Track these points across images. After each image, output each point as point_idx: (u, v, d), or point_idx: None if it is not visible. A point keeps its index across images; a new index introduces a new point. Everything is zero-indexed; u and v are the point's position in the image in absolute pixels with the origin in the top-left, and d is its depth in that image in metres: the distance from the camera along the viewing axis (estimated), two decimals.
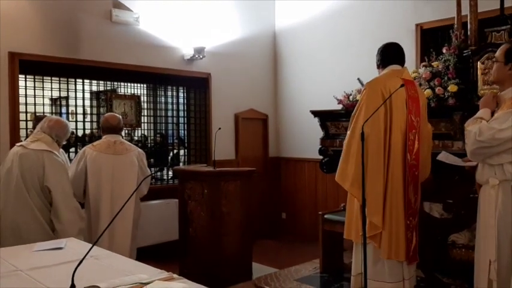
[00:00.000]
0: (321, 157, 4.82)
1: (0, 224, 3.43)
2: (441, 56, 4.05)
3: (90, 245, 2.72)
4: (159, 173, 6.13)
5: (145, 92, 6.13)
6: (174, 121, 6.30)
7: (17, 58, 4.61)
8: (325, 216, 4.15)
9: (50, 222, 3.46)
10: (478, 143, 2.63)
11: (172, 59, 5.88)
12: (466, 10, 4.09)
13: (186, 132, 6.40)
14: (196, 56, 5.92)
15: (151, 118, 6.05)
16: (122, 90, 5.73)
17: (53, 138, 3.60)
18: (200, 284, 1.84)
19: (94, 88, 5.58)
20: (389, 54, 3.34)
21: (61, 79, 5.12)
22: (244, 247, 4.47)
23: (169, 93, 6.28)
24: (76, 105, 5.28)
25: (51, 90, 5.07)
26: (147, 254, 4.22)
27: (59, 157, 3.60)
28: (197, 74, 6.12)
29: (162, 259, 4.24)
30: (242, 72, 6.62)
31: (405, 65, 3.40)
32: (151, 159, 6.25)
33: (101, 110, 5.50)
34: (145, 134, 6.22)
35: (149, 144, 6.41)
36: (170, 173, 6.12)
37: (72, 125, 5.35)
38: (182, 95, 6.37)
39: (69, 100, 5.29)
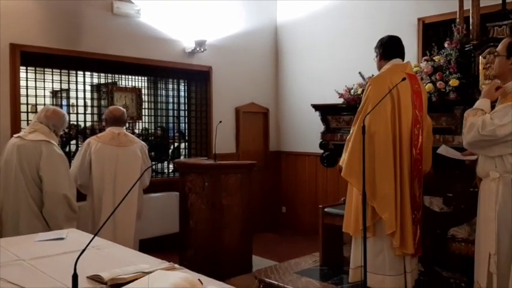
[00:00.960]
0: (322, 151, 4.82)
1: (2, 215, 3.45)
2: (443, 50, 4.04)
3: (91, 236, 2.75)
4: (159, 166, 6.14)
5: (146, 85, 6.13)
6: (175, 114, 6.30)
7: (18, 50, 4.61)
8: (325, 209, 4.15)
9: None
10: (480, 136, 2.62)
11: (173, 51, 5.87)
12: (468, 4, 4.08)
13: (186, 126, 6.41)
14: (198, 49, 5.92)
15: (152, 111, 6.05)
16: (123, 83, 5.72)
17: (50, 128, 3.59)
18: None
19: (95, 80, 5.57)
20: (394, 47, 3.33)
21: (62, 71, 5.12)
22: (244, 240, 4.49)
23: (170, 86, 6.28)
24: (77, 98, 5.28)
25: (52, 82, 5.07)
26: (147, 246, 4.23)
27: (57, 147, 3.59)
28: (198, 67, 6.12)
29: (163, 251, 4.25)
30: (243, 66, 6.61)
31: (407, 59, 3.41)
32: (152, 153, 6.26)
33: (102, 102, 5.50)
34: (146, 127, 6.23)
35: (150, 138, 6.41)
36: (171, 166, 6.14)
37: (72, 118, 5.39)
38: (183, 88, 6.37)
39: (70, 92, 5.29)
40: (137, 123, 6.05)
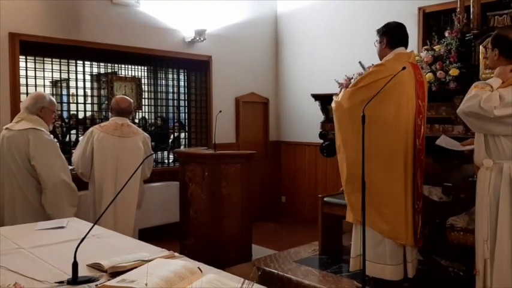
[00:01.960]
0: (321, 141, 4.82)
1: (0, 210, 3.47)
2: (443, 40, 4.03)
3: (91, 224, 2.77)
4: (159, 156, 6.15)
5: (145, 75, 6.11)
6: (175, 104, 6.29)
7: (17, 39, 4.59)
8: (325, 199, 4.17)
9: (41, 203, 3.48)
10: (478, 109, 2.61)
11: (173, 41, 5.85)
12: None
13: (186, 116, 6.40)
14: (197, 38, 5.89)
15: (152, 101, 6.05)
16: (123, 73, 5.71)
17: (35, 113, 3.52)
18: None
19: (95, 70, 5.56)
20: (401, 36, 3.31)
21: (61, 61, 5.11)
22: (244, 229, 4.51)
23: (170, 75, 6.26)
24: (77, 87, 5.27)
25: (52, 71, 5.06)
26: (148, 235, 4.27)
27: (46, 133, 3.53)
28: (198, 56, 6.10)
29: (163, 240, 4.28)
30: (243, 56, 6.59)
31: (408, 48, 3.40)
32: (152, 143, 6.26)
33: (102, 92, 5.50)
34: (146, 116, 6.22)
35: (149, 128, 6.41)
36: (171, 155, 6.15)
37: (72, 108, 5.39)
38: (183, 78, 6.36)
39: (70, 82, 5.28)
40: (137, 113, 6.05)
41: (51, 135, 3.66)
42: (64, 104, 5.54)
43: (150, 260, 1.79)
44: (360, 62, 4.61)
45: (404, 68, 2.95)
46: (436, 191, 3.69)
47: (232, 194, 4.43)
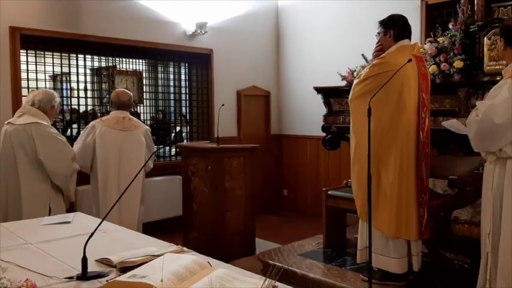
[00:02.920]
0: (323, 134, 4.81)
1: (4, 202, 3.46)
2: (447, 32, 4.01)
3: (98, 219, 2.76)
4: (161, 150, 6.13)
5: (146, 68, 6.08)
6: (176, 98, 6.26)
7: (17, 33, 4.56)
8: (329, 192, 4.16)
9: (46, 196, 3.51)
10: (478, 123, 2.62)
11: (174, 34, 5.81)
12: None
13: (188, 109, 6.38)
14: (198, 31, 5.86)
15: (153, 95, 6.02)
16: (124, 66, 5.67)
17: (34, 105, 3.54)
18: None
19: (95, 64, 5.52)
20: (407, 27, 3.31)
21: (62, 54, 5.07)
22: (247, 222, 4.51)
23: (171, 69, 6.23)
24: (78, 81, 5.24)
25: (53, 65, 5.03)
26: (151, 230, 4.25)
27: (48, 126, 3.54)
28: (199, 50, 6.07)
29: (166, 234, 4.27)
30: (245, 49, 6.56)
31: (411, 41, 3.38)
32: (153, 136, 6.24)
33: (103, 86, 5.47)
34: (147, 110, 6.20)
35: (150, 122, 6.39)
36: (173, 149, 6.13)
37: (74, 102, 5.36)
38: (184, 71, 6.33)
39: (71, 76, 5.25)
40: (138, 107, 6.03)
41: (54, 128, 3.65)
42: (64, 98, 5.51)
43: (159, 255, 1.77)
44: (362, 55, 4.59)
45: (410, 61, 2.93)
46: (440, 183, 3.69)
47: (235, 188, 4.42)
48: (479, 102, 2.73)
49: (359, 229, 3.39)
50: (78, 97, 5.30)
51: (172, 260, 1.68)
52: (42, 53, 4.93)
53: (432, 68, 3.79)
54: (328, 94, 4.72)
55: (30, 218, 2.93)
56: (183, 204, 4.71)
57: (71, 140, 5.19)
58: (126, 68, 5.68)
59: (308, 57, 6.59)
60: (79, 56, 5.23)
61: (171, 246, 2.04)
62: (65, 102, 5.59)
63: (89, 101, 5.42)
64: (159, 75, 6.20)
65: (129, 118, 4.01)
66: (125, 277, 1.53)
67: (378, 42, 3.44)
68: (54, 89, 5.71)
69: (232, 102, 6.47)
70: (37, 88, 4.89)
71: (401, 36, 3.27)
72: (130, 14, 5.40)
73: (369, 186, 2.81)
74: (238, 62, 6.48)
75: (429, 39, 4.20)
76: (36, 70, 4.84)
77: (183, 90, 6.30)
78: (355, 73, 4.58)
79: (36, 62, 4.86)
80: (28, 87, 4.78)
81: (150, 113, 6.27)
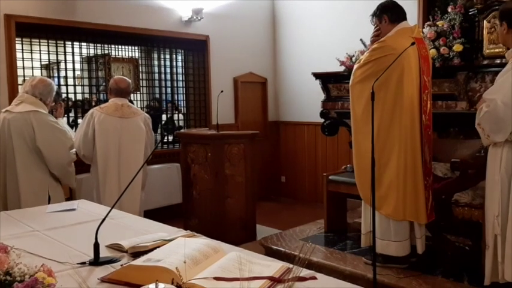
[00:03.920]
0: (321, 120, 4.81)
1: (4, 190, 3.45)
2: (446, 15, 4.00)
3: (103, 206, 2.76)
4: (158, 138, 6.10)
5: (142, 55, 6.02)
6: (173, 85, 6.22)
7: (13, 21, 4.49)
8: (330, 177, 4.18)
9: (45, 184, 3.51)
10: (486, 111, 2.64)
11: (169, 20, 5.76)
12: None
13: (184, 97, 6.34)
14: (194, 17, 5.81)
15: (148, 82, 5.98)
16: (120, 54, 5.61)
17: (36, 97, 3.51)
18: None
19: (91, 51, 5.46)
20: (400, 9, 3.31)
21: (58, 42, 5.01)
22: (248, 208, 4.53)
23: (168, 56, 6.17)
24: (74, 69, 5.19)
25: (48, 53, 4.97)
26: (151, 217, 4.23)
27: (47, 115, 3.53)
28: (195, 36, 6.02)
29: (167, 222, 4.28)
30: (241, 35, 6.52)
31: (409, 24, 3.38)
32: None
33: (99, 73, 5.42)
34: (144, 98, 6.16)
35: (146, 110, 6.35)
36: (170, 137, 6.11)
37: (70, 90, 5.31)
38: (180, 58, 6.28)
39: (67, 64, 5.19)
40: (134, 95, 5.98)
41: (53, 117, 3.62)
42: (60, 87, 5.45)
43: (171, 240, 1.78)
44: (361, 40, 4.58)
45: (413, 44, 2.92)
46: (441, 167, 3.71)
47: (235, 174, 4.43)
48: (486, 93, 2.73)
49: (362, 213, 3.41)
50: (75, 85, 5.24)
51: (186, 244, 1.69)
52: (38, 41, 4.86)
53: (431, 52, 3.78)
54: (327, 80, 4.71)
55: (29, 206, 2.93)
56: (182, 191, 4.71)
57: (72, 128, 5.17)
58: (122, 56, 5.62)
59: (305, 43, 6.56)
60: (74, 43, 5.17)
61: (180, 231, 2.05)
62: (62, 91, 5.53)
63: (86, 89, 5.37)
64: (155, 62, 6.15)
65: (128, 105, 3.98)
66: (140, 261, 1.53)
67: (375, 27, 3.44)
68: (50, 77, 5.67)
69: (229, 89, 6.45)
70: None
71: (396, 19, 3.28)
72: (126, 0, 5.33)
73: (373, 170, 2.82)
74: (235, 48, 6.44)
75: (428, 23, 4.18)
76: (31, 58, 4.78)
77: (179, 77, 6.26)
78: (353, 58, 4.57)
79: (31, 50, 4.80)
80: (24, 76, 4.72)
81: (146, 100, 6.23)
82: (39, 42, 4.87)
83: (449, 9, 4.01)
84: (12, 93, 4.51)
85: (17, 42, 4.61)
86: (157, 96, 6.22)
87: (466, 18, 3.88)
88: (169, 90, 6.24)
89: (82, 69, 5.28)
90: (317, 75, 4.78)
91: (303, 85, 6.32)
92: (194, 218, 4.56)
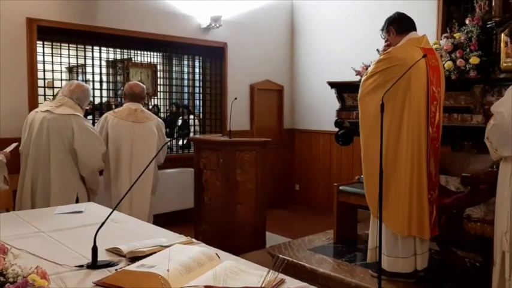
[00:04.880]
0: (336, 129, 4.79)
1: (34, 188, 3.53)
2: (464, 27, 3.95)
3: (109, 210, 2.79)
4: (174, 142, 6.17)
5: (160, 61, 6.11)
6: (190, 91, 6.29)
7: (34, 24, 4.61)
8: (340, 187, 4.15)
9: (75, 185, 3.62)
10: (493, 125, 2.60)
11: (188, 27, 5.83)
12: None
13: (201, 102, 6.40)
14: (213, 24, 5.86)
15: (167, 87, 6.05)
16: (138, 59, 5.71)
17: (74, 101, 3.66)
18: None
19: (111, 56, 5.56)
20: (407, 19, 3.29)
21: (78, 46, 5.12)
22: (258, 216, 4.52)
23: (185, 62, 6.25)
24: (93, 73, 5.29)
25: (69, 57, 5.07)
26: (162, 221, 4.28)
27: (85, 120, 3.70)
28: (213, 43, 6.07)
29: (177, 226, 4.31)
30: (259, 42, 6.55)
31: (425, 35, 3.34)
32: (167, 129, 6.29)
33: (118, 78, 5.51)
34: (161, 103, 6.24)
35: (164, 114, 6.42)
36: (185, 142, 6.17)
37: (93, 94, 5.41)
38: (198, 65, 6.34)
39: (86, 68, 5.30)
40: (152, 100, 6.06)
41: (89, 123, 3.80)
42: None
43: (168, 246, 1.79)
44: (377, 50, 4.55)
45: (425, 56, 2.89)
46: (454, 180, 3.66)
47: (246, 181, 4.43)
48: (493, 106, 2.69)
49: (370, 228, 3.37)
50: (94, 89, 5.34)
51: (181, 251, 1.70)
52: (59, 44, 4.98)
53: (448, 64, 3.73)
54: (342, 89, 4.69)
55: (59, 205, 3.00)
56: (194, 196, 4.74)
57: None
58: (141, 61, 5.71)
59: (322, 52, 6.56)
60: (95, 48, 5.28)
61: (180, 237, 2.06)
62: None
63: (104, 93, 5.47)
64: (174, 68, 6.23)
65: (141, 110, 4.05)
66: (133, 267, 1.56)
67: (386, 40, 3.44)
68: (70, 80, 5.78)
69: (246, 96, 6.48)
70: (53, 79, 4.96)
71: (403, 30, 3.25)
72: (146, 6, 5.42)
73: (380, 183, 2.80)
74: (252, 55, 6.48)
75: (445, 34, 4.14)
76: (52, 62, 4.89)
77: (196, 84, 6.32)
78: (369, 68, 4.55)
79: (52, 53, 4.91)
80: (44, 79, 4.84)
81: (164, 105, 6.31)
82: (60, 45, 4.98)
83: (467, 21, 3.95)
84: (32, 95, 4.62)
85: (38, 45, 4.72)
86: (175, 101, 6.29)
87: (483, 30, 3.82)
88: (185, 96, 6.30)
89: (101, 73, 5.36)
90: (332, 84, 4.77)
91: (319, 93, 6.30)
92: (204, 223, 4.58)
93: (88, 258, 1.77)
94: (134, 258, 1.76)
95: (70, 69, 5.94)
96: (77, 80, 5.71)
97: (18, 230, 2.20)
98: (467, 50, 3.78)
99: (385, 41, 3.41)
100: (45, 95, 4.79)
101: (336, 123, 4.75)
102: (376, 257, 3.12)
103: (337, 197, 4.15)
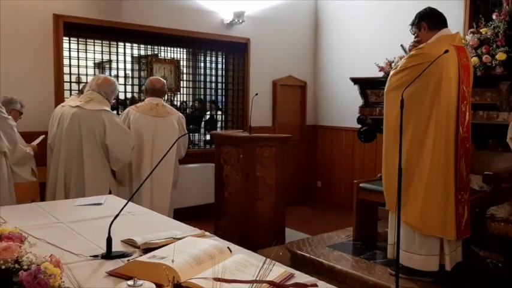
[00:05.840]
0: (359, 126, 4.74)
1: (67, 183, 3.64)
2: (490, 23, 3.86)
3: (129, 203, 2.84)
4: (196, 138, 6.23)
5: (185, 57, 6.16)
6: (213, 86, 6.33)
7: (61, 20, 4.71)
8: (360, 185, 4.12)
9: (107, 179, 3.73)
10: None
11: (211, 23, 5.85)
12: None
13: (224, 98, 6.43)
14: (236, 20, 5.87)
15: (190, 83, 6.10)
16: (162, 55, 5.78)
17: (102, 96, 3.73)
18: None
19: (136, 52, 5.64)
20: (439, 15, 3.22)
21: (103, 42, 5.21)
22: (277, 212, 4.52)
23: (208, 58, 6.28)
24: (118, 69, 5.38)
25: (94, 53, 5.17)
26: (184, 215, 4.34)
27: (115, 115, 3.79)
28: (236, 39, 6.09)
29: (198, 220, 4.35)
30: (282, 38, 6.53)
31: (453, 31, 3.27)
32: (191, 125, 6.36)
33: (142, 73, 5.59)
34: (184, 99, 6.30)
35: (188, 110, 6.49)
36: (207, 137, 6.21)
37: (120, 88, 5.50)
38: (221, 60, 6.37)
39: (112, 63, 5.39)
40: (175, 95, 6.13)
41: (119, 118, 3.89)
42: None
43: (181, 238, 1.82)
44: (401, 45, 4.48)
45: (447, 51, 2.83)
46: (477, 179, 3.58)
47: (266, 177, 4.43)
48: None
49: (389, 223, 3.34)
50: (119, 84, 5.42)
51: (193, 243, 1.72)
52: (85, 40, 5.08)
53: (473, 60, 3.65)
54: (365, 85, 4.65)
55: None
56: (215, 191, 4.77)
57: None
58: (165, 57, 5.78)
59: (346, 47, 6.49)
60: (120, 44, 5.36)
61: (194, 230, 2.08)
62: None
63: (129, 88, 5.56)
64: (197, 64, 6.27)
65: (163, 105, 4.10)
66: (145, 258, 1.58)
67: (415, 37, 3.37)
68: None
69: (268, 91, 6.47)
70: (78, 75, 5.07)
71: (435, 25, 3.18)
72: (170, 3, 5.47)
73: (399, 180, 2.76)
74: (275, 51, 6.46)
75: (471, 30, 4.05)
76: (78, 57, 4.99)
77: (219, 79, 6.35)
78: (393, 64, 4.49)
79: (78, 49, 5.01)
80: (70, 74, 4.95)
81: (187, 101, 6.36)
82: (86, 41, 5.08)
83: (493, 17, 3.86)
84: (59, 90, 4.74)
85: (64, 41, 4.82)
86: (200, 96, 6.35)
87: (510, 26, 3.73)
88: (208, 91, 6.34)
89: (125, 69, 5.45)
90: (355, 80, 4.73)
91: (343, 90, 6.24)
92: (225, 218, 4.61)
93: (103, 249, 1.80)
94: (147, 249, 1.78)
95: (97, 65, 6.06)
96: (109, 75, 5.84)
97: (38, 220, 2.26)
98: (494, 45, 3.70)
99: (415, 37, 3.33)
100: (71, 90, 4.88)
101: (359, 120, 4.71)
102: (395, 253, 3.09)
103: (358, 194, 4.12)
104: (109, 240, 1.78)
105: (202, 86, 6.24)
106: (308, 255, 3.70)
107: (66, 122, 3.65)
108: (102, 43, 5.19)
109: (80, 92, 4.29)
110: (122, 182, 3.94)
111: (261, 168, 4.41)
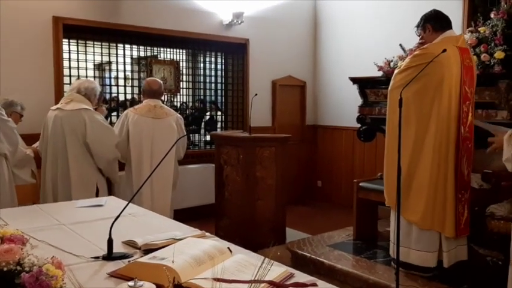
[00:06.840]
0: (358, 125, 4.76)
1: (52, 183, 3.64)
2: (489, 21, 3.87)
3: (130, 204, 2.86)
4: (196, 138, 6.24)
5: (184, 58, 6.17)
6: (212, 87, 6.34)
7: (60, 22, 4.72)
8: (360, 184, 4.13)
9: (94, 177, 3.71)
10: None
11: (210, 24, 5.86)
12: None
13: (223, 99, 6.44)
14: (235, 21, 5.88)
15: (190, 84, 6.11)
16: (162, 56, 5.79)
17: (82, 95, 3.72)
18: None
19: (135, 53, 5.65)
20: (442, 18, 3.25)
21: (103, 44, 5.22)
22: (278, 211, 4.53)
23: (208, 59, 6.29)
24: (117, 70, 5.39)
25: (94, 54, 5.18)
26: (184, 216, 4.35)
27: (96, 113, 3.74)
28: (235, 39, 6.10)
29: (199, 221, 4.37)
30: (281, 39, 6.54)
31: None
32: (192, 126, 6.38)
33: (141, 75, 5.60)
34: (184, 99, 6.31)
35: (188, 111, 6.50)
36: (207, 138, 6.22)
37: (114, 90, 5.52)
38: (220, 61, 6.38)
39: (111, 65, 5.40)
40: (175, 96, 6.14)
41: (101, 115, 3.85)
42: (106, 87, 5.67)
43: (181, 239, 1.83)
44: (400, 45, 4.50)
45: (444, 51, 2.85)
46: (477, 177, 3.58)
47: (266, 177, 4.44)
48: None
49: (391, 221, 3.36)
50: (117, 85, 5.45)
51: (193, 244, 1.73)
52: (84, 42, 5.09)
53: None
54: (364, 84, 4.66)
55: (80, 198, 3.09)
56: (215, 192, 4.78)
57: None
58: (165, 58, 5.79)
59: (345, 47, 6.50)
60: (119, 45, 5.37)
61: (195, 231, 2.09)
62: (107, 91, 5.76)
63: (129, 90, 5.57)
64: (197, 65, 6.29)
65: (161, 106, 4.11)
66: (145, 258, 1.59)
67: (420, 38, 3.39)
68: (97, 77, 5.91)
69: (268, 92, 6.48)
70: (78, 77, 5.08)
71: (440, 27, 3.22)
72: (169, 4, 5.48)
73: (399, 178, 2.78)
74: (274, 51, 6.47)
75: (470, 28, 4.07)
76: (78, 59, 5.00)
77: (219, 80, 6.36)
78: (391, 63, 4.50)
79: (78, 51, 5.03)
80: (70, 76, 4.95)
81: (187, 102, 6.37)
82: (85, 43, 5.09)
83: (492, 15, 3.87)
84: (59, 92, 4.74)
85: (64, 43, 4.83)
86: (199, 97, 6.36)
87: (509, 24, 3.74)
88: (208, 92, 6.36)
89: (124, 70, 5.46)
90: (354, 80, 4.74)
91: (342, 89, 6.25)
92: (225, 218, 4.62)
93: (104, 250, 1.81)
94: (148, 250, 1.79)
95: (97, 67, 6.07)
96: (104, 76, 5.85)
97: (40, 222, 2.27)
98: (492, 44, 3.71)
99: (420, 38, 3.36)
100: None
101: (358, 119, 4.72)
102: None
103: (358, 193, 4.13)
104: (110, 242, 1.79)
105: (202, 87, 6.26)
106: (309, 254, 3.71)
107: (49, 126, 3.68)
108: (101, 45, 5.20)
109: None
110: (113, 179, 3.95)
111: (261, 168, 4.42)
